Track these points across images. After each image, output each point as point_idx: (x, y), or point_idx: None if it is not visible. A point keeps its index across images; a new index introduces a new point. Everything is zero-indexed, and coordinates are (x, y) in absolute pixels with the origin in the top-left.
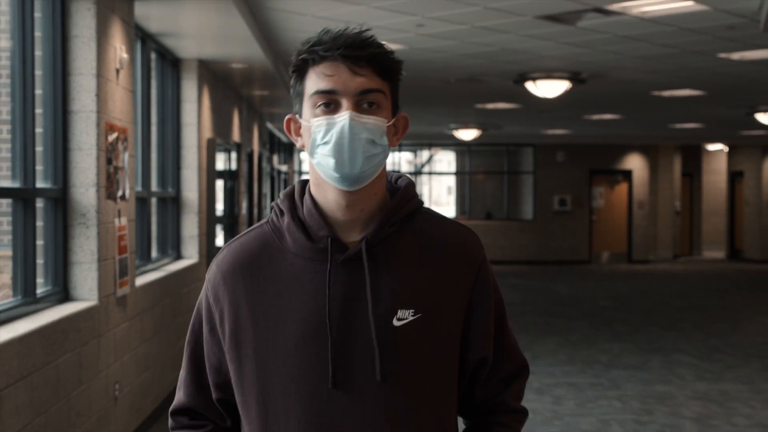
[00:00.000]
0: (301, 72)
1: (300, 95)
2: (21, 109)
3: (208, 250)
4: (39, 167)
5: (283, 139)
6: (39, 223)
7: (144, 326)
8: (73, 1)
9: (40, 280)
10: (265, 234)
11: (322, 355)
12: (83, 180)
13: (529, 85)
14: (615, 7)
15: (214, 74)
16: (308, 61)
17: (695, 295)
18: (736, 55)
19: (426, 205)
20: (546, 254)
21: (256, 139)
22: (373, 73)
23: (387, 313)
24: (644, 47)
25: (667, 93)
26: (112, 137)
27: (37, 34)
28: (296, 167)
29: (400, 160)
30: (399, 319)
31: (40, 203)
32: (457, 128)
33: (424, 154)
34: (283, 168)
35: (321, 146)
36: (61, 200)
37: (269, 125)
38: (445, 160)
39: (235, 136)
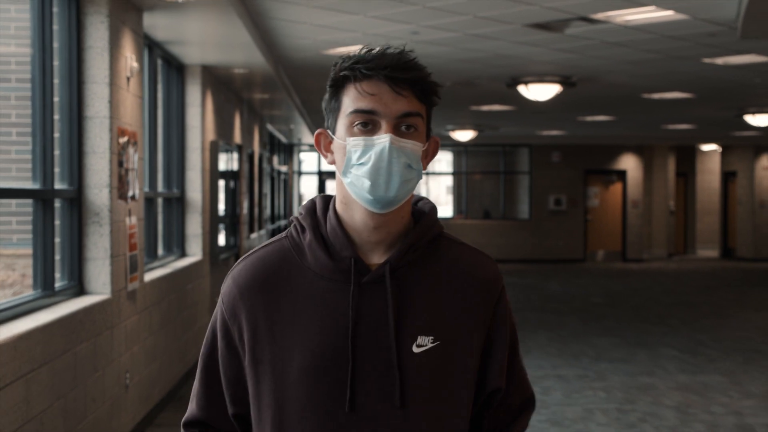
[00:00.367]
0: (338, 87)
1: (335, 111)
2: (41, 115)
3: (211, 248)
4: (56, 169)
5: (283, 140)
6: (56, 222)
7: (152, 319)
8: (88, 14)
9: (57, 275)
10: (285, 249)
11: (340, 378)
12: (97, 181)
13: (521, 89)
14: (599, 16)
15: (216, 79)
16: (349, 78)
17: (685, 292)
18: (719, 60)
19: None
20: (542, 253)
21: (257, 140)
22: (413, 96)
23: (407, 338)
24: (630, 53)
25: (657, 95)
26: (123, 141)
27: (55, 45)
28: (295, 168)
29: None
30: (419, 346)
31: (57, 203)
32: (453, 129)
33: None
34: (283, 168)
35: (357, 166)
36: (76, 200)
37: (269, 127)
38: (445, 159)
39: (237, 137)
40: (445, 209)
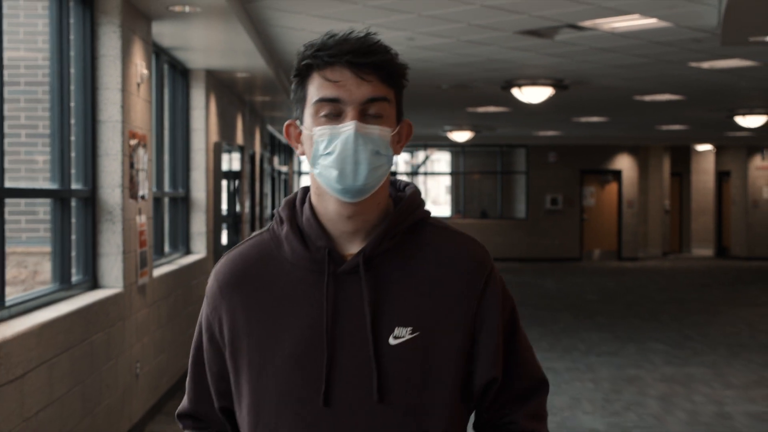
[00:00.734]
0: (303, 77)
1: (302, 101)
2: (59, 120)
3: (215, 246)
4: (72, 171)
5: (283, 141)
6: (72, 220)
7: (160, 313)
8: (101, 24)
9: (72, 270)
10: (265, 242)
11: (316, 370)
12: (110, 182)
13: (515, 91)
14: (587, 23)
15: (220, 82)
16: (312, 66)
17: (678, 289)
18: (705, 64)
19: (426, 204)
20: (538, 252)
21: (258, 141)
22: (379, 81)
23: (384, 330)
24: (619, 57)
25: (648, 97)
26: (133, 143)
27: (71, 53)
28: (296, 168)
29: (397, 161)
30: (396, 338)
31: (73, 203)
32: (451, 130)
33: (420, 155)
34: (284, 169)
35: (323, 156)
36: (90, 200)
37: (270, 128)
38: (444, 159)
39: (239, 139)
40: (444, 209)
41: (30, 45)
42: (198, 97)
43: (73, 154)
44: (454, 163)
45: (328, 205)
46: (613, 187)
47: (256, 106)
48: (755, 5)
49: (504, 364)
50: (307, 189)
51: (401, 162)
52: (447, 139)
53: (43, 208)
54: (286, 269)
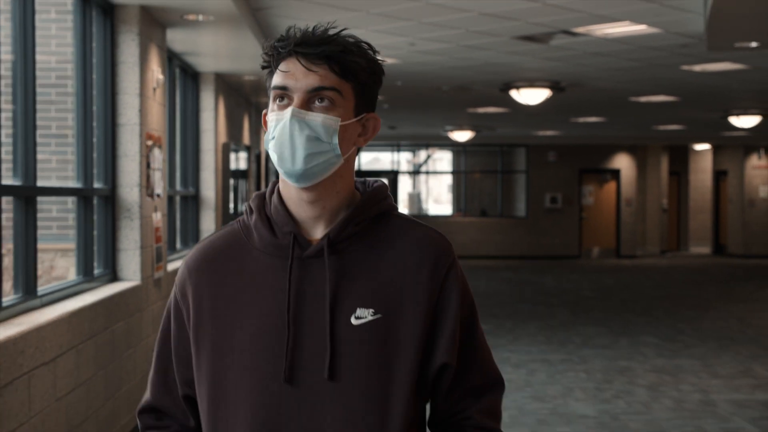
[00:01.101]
0: (269, 68)
1: (268, 91)
2: (82, 123)
3: None
4: (93, 170)
5: None
6: (94, 217)
7: None
8: (121, 33)
9: (94, 263)
10: (235, 232)
11: (277, 349)
12: (128, 181)
13: (513, 93)
14: (580, 29)
15: (228, 85)
16: (273, 57)
17: (673, 286)
18: (697, 67)
19: (427, 203)
20: (538, 249)
21: (263, 140)
22: (330, 71)
23: (346, 311)
24: (613, 61)
25: (643, 99)
26: (149, 144)
27: (93, 60)
28: None
29: (399, 160)
30: (357, 318)
31: (95, 200)
32: (452, 130)
33: (422, 154)
34: None
35: (270, 141)
36: (110, 198)
37: None
38: (445, 158)
39: (246, 139)
40: (445, 207)
41: (44, 48)
42: (207, 99)
43: (94, 155)
44: (456, 162)
45: (291, 191)
46: (611, 186)
47: (261, 107)
48: (737, 14)
49: (461, 358)
50: (277, 180)
51: (403, 161)
52: (448, 138)
53: (56, 206)
54: (254, 256)
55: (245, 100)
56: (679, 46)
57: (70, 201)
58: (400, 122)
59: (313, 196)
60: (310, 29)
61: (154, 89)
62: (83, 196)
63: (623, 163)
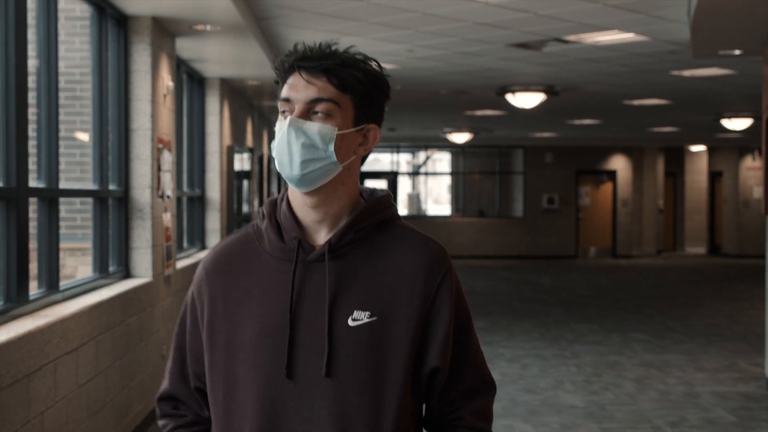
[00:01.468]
0: (280, 80)
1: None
2: (99, 129)
3: None
4: (108, 173)
5: None
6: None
7: (181, 302)
8: (134, 42)
9: (108, 261)
10: (249, 235)
11: (280, 347)
12: (141, 183)
13: (509, 97)
14: (571, 37)
15: (232, 89)
16: (280, 71)
17: (667, 285)
18: (686, 73)
19: (426, 204)
20: (535, 249)
21: (266, 143)
22: (329, 84)
23: (344, 313)
24: (604, 67)
25: (636, 102)
26: (159, 147)
27: (108, 69)
28: None
29: (399, 161)
30: (354, 320)
31: (109, 201)
32: (450, 132)
33: (422, 155)
34: None
35: (274, 147)
36: (124, 199)
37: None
38: (444, 159)
39: (249, 141)
40: (444, 208)
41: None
42: (213, 103)
43: (109, 158)
44: (454, 163)
45: (297, 195)
46: (608, 186)
47: (264, 110)
48: (718, 26)
49: (455, 362)
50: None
51: (403, 162)
52: (447, 140)
53: (64, 206)
54: (264, 259)
55: (248, 104)
56: (667, 53)
57: (79, 202)
58: (399, 124)
59: (315, 201)
60: (316, 45)
61: (165, 96)
62: (99, 197)
63: (619, 164)
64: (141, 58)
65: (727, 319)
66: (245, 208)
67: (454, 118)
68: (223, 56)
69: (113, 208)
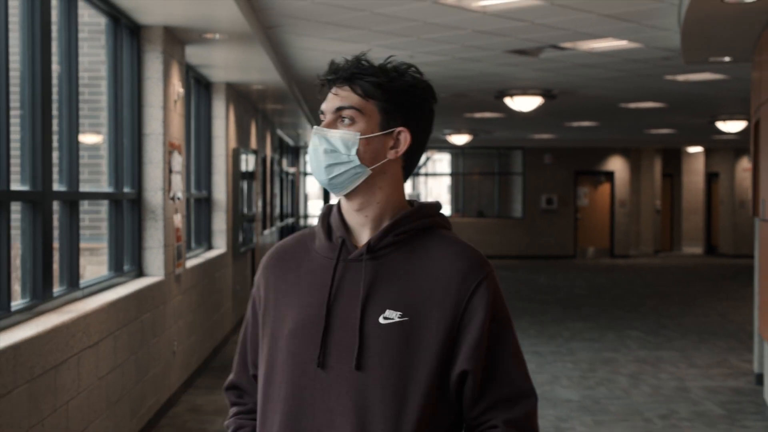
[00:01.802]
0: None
1: None
2: (114, 134)
3: (234, 242)
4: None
5: (290, 143)
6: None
7: (191, 300)
8: (147, 51)
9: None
10: (304, 236)
11: (315, 338)
12: (153, 186)
13: (507, 100)
14: (567, 44)
15: (237, 93)
16: (320, 87)
17: (663, 285)
18: (680, 77)
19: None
20: (534, 249)
21: (269, 144)
22: (352, 93)
23: (376, 311)
24: (600, 72)
25: (632, 105)
26: (170, 151)
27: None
28: (302, 169)
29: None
30: (385, 318)
31: (123, 204)
32: (450, 133)
33: (422, 156)
34: (291, 170)
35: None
36: (137, 201)
37: (279, 132)
38: (445, 159)
39: (253, 143)
40: (444, 208)
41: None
42: (219, 107)
43: (123, 162)
44: (454, 164)
45: (343, 200)
46: (606, 187)
47: (267, 113)
48: (707, 33)
49: (489, 369)
50: None
51: None
52: (447, 141)
53: None
54: (312, 256)
55: (252, 107)
56: (660, 59)
57: (86, 203)
58: None
59: (356, 204)
60: (347, 60)
61: (175, 102)
62: (115, 200)
63: (617, 165)
64: (153, 66)
65: (721, 317)
66: (251, 209)
67: (454, 121)
68: (230, 62)
69: (127, 209)
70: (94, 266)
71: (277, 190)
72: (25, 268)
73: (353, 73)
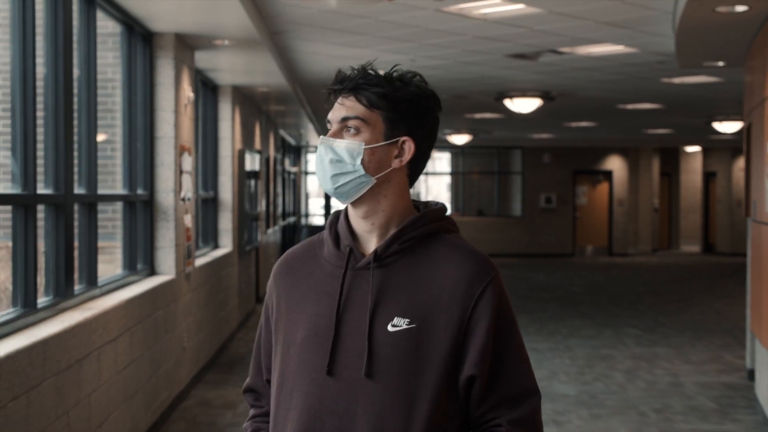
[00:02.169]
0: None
1: None
2: (128, 138)
3: (239, 241)
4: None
5: (292, 143)
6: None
7: (200, 298)
8: (159, 57)
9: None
10: (313, 243)
11: (325, 346)
12: (165, 187)
13: (507, 102)
14: (565, 49)
15: (243, 95)
16: (327, 97)
17: (660, 283)
18: (676, 80)
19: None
20: (533, 248)
21: (272, 145)
22: (357, 103)
23: (385, 319)
24: (597, 75)
25: (630, 106)
26: (181, 154)
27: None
28: (303, 168)
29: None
30: (394, 326)
31: (137, 205)
32: (450, 133)
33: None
34: (293, 169)
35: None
36: (149, 202)
37: (282, 132)
38: (444, 158)
39: (257, 144)
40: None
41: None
42: (225, 109)
43: (137, 165)
44: (454, 163)
45: (350, 207)
46: (604, 186)
47: (271, 114)
48: (701, 39)
49: (494, 369)
50: None
51: None
52: (447, 141)
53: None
54: (321, 264)
55: (257, 109)
56: (656, 63)
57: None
58: None
59: (362, 212)
60: (353, 70)
61: (186, 106)
62: (129, 201)
63: (615, 164)
64: (165, 71)
65: (716, 314)
66: (255, 208)
67: (454, 121)
68: (237, 66)
69: (140, 210)
70: (103, 264)
71: (279, 190)
72: (49, 267)
73: (358, 84)
